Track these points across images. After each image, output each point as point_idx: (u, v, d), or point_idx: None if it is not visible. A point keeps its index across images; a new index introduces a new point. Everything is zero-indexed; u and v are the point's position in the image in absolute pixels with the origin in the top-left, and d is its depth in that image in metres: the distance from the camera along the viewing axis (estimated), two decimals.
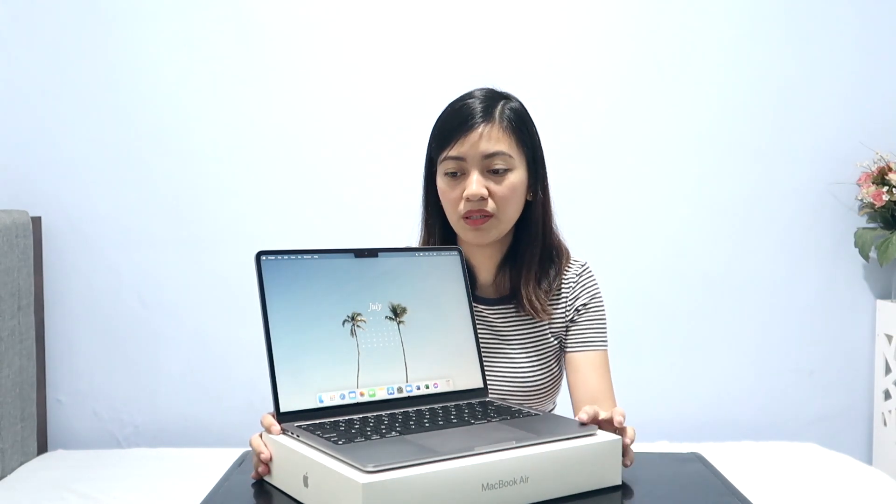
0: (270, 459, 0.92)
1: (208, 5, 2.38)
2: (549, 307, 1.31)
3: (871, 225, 2.45)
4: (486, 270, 1.34)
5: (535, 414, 0.96)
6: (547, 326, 1.33)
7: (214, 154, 2.41)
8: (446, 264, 1.08)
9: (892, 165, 2.37)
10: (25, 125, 2.38)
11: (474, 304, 1.32)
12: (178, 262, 2.40)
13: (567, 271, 1.35)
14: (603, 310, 1.36)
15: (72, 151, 2.39)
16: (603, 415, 0.98)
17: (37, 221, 2.34)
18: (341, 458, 0.78)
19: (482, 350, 1.31)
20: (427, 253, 1.07)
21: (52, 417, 2.41)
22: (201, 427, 2.40)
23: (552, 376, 1.34)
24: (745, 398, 2.49)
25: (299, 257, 0.96)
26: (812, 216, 2.47)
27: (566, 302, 1.34)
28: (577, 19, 2.43)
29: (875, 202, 2.34)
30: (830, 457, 2.19)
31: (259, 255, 0.94)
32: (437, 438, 0.84)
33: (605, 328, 1.36)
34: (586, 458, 0.86)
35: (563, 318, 1.34)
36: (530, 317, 1.32)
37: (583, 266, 1.36)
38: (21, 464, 2.20)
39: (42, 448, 2.35)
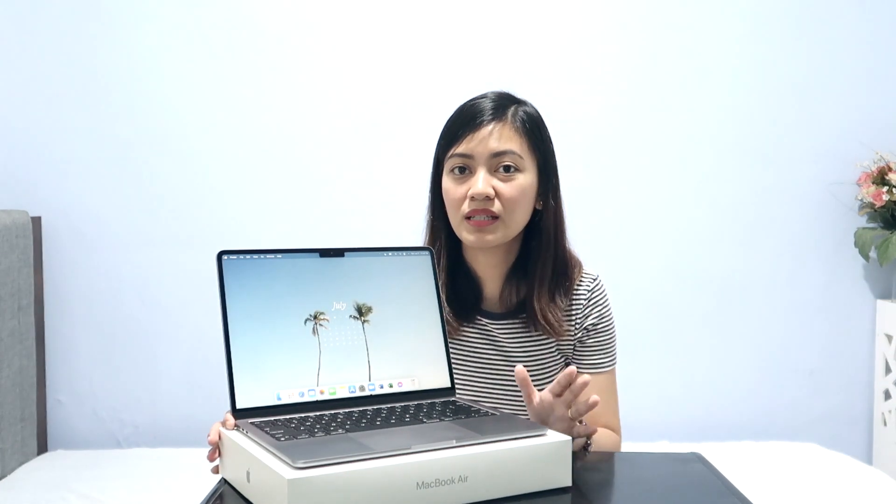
0: (216, 444, 0.95)
1: (208, 6, 2.38)
2: (562, 324, 1.25)
3: (871, 225, 2.45)
4: (492, 282, 1.28)
5: (493, 414, 0.95)
6: (555, 343, 1.28)
7: (214, 154, 2.41)
8: (416, 264, 1.06)
9: (892, 165, 2.37)
10: (25, 125, 2.38)
11: (479, 318, 1.27)
12: (178, 262, 2.40)
13: (578, 286, 1.29)
14: (612, 329, 1.31)
15: (72, 151, 2.39)
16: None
17: (37, 221, 2.34)
18: (277, 453, 0.78)
19: (484, 367, 1.28)
20: (396, 252, 1.05)
21: (52, 417, 2.41)
22: (201, 427, 2.38)
23: None
24: (745, 398, 2.49)
25: (262, 257, 0.96)
26: (812, 216, 2.47)
27: (576, 319, 1.28)
28: (581, 23, 2.43)
29: (875, 202, 2.34)
30: (830, 457, 2.20)
31: (220, 254, 0.94)
32: (380, 436, 0.83)
33: (613, 348, 1.31)
34: (531, 459, 0.85)
35: (572, 335, 1.28)
36: (537, 333, 1.26)
37: (594, 280, 1.30)
38: (21, 464, 2.20)
39: (42, 448, 2.35)
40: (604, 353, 1.30)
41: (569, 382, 1.01)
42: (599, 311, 1.29)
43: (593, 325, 1.29)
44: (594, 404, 1.02)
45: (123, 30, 2.38)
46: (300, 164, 2.41)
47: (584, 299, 1.29)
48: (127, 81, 2.38)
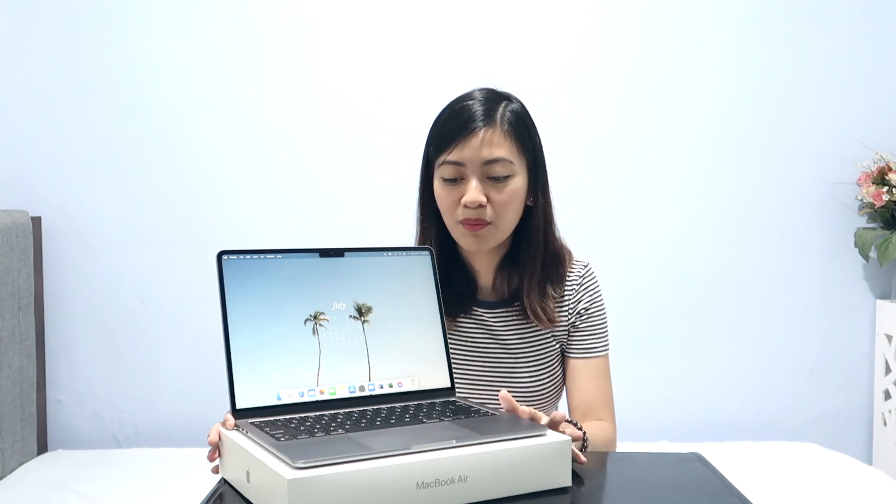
0: (216, 444, 0.93)
1: (207, 6, 2.38)
2: (554, 315, 1.28)
3: (871, 225, 2.45)
4: (485, 274, 1.32)
5: (493, 414, 0.95)
6: (550, 331, 1.31)
7: (214, 154, 2.41)
8: (416, 264, 1.06)
9: (892, 165, 2.37)
10: (25, 125, 2.38)
11: (474, 309, 1.31)
12: (178, 262, 2.40)
13: (569, 273, 1.32)
14: (604, 313, 1.34)
15: (72, 151, 2.39)
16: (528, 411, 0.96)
17: (37, 221, 2.34)
18: (276, 453, 0.78)
19: (482, 357, 1.30)
20: (396, 253, 1.05)
21: (52, 417, 2.41)
22: (201, 427, 2.38)
23: (554, 382, 1.32)
24: (745, 398, 2.49)
25: (262, 257, 0.96)
26: (812, 216, 2.47)
27: (569, 306, 1.32)
28: (579, 19, 2.43)
29: (875, 202, 2.34)
30: (830, 457, 2.20)
31: (220, 254, 0.94)
32: (380, 437, 0.83)
33: (605, 333, 1.34)
34: (531, 459, 0.85)
35: (566, 322, 1.32)
36: (532, 321, 1.30)
37: (585, 267, 1.34)
38: (21, 464, 2.20)
39: (42, 448, 2.35)
40: (596, 338, 1.33)
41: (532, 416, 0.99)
42: (591, 295, 1.33)
43: (585, 309, 1.32)
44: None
45: (123, 30, 2.38)
46: (300, 164, 2.41)
47: (577, 284, 1.32)
48: (127, 81, 2.38)
